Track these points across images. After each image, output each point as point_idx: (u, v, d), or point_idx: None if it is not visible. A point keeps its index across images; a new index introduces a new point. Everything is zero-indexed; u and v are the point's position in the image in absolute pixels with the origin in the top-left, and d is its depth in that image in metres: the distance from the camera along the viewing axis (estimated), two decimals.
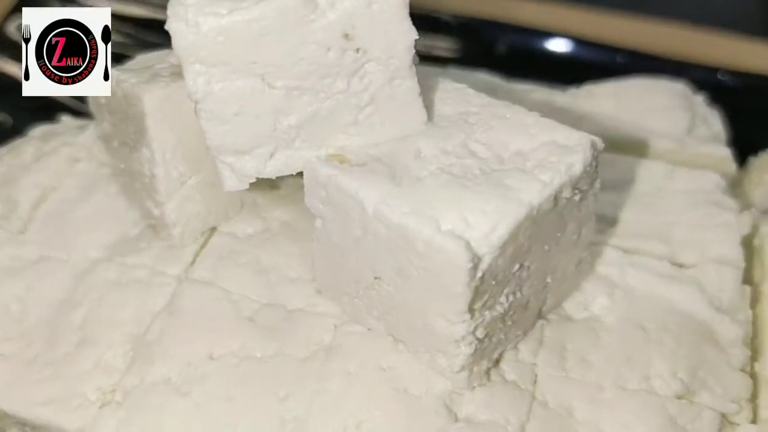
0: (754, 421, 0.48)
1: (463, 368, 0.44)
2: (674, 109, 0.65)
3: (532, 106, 0.65)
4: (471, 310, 0.42)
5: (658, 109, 0.65)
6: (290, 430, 0.45)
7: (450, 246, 0.39)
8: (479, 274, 0.40)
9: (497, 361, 0.47)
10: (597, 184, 0.46)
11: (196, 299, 0.51)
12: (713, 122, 0.66)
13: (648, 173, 0.60)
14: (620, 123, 0.64)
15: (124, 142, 0.53)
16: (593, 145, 0.44)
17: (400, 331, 0.47)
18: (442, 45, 0.80)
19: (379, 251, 0.43)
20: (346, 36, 0.41)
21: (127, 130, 0.51)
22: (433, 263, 0.41)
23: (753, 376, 0.50)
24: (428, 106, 0.47)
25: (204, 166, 0.51)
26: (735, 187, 0.63)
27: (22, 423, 0.48)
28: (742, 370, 0.49)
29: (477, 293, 0.41)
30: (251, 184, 0.49)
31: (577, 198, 0.44)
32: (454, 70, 0.69)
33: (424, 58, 0.65)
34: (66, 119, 0.64)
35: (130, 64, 0.52)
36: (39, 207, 0.56)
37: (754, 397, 0.48)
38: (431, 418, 0.45)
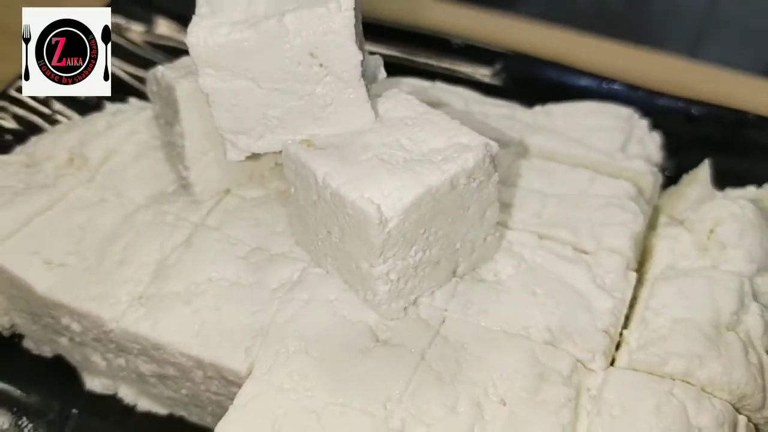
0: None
1: (382, 302, 0.60)
2: (613, 129, 0.79)
3: (496, 119, 0.81)
4: (384, 257, 0.58)
5: (600, 129, 0.79)
6: (254, 334, 0.62)
7: (366, 208, 0.56)
8: (387, 230, 0.56)
9: (415, 303, 0.63)
10: (495, 177, 0.61)
11: (206, 239, 0.68)
12: (649, 144, 0.80)
13: (576, 178, 0.74)
14: (565, 137, 0.78)
15: (167, 121, 0.71)
16: (487, 147, 0.59)
17: (346, 273, 0.63)
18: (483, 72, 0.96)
19: (327, 211, 0.60)
20: (311, 54, 0.58)
21: (168, 112, 0.69)
22: (357, 220, 0.57)
23: (621, 339, 0.64)
24: (383, 110, 0.63)
25: (221, 143, 0.69)
26: (665, 198, 0.77)
27: (72, 312, 0.66)
28: (604, 332, 0.63)
29: (387, 244, 0.57)
30: (260, 160, 0.67)
31: (474, 185, 0.59)
32: (440, 84, 0.85)
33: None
34: (133, 101, 0.83)
35: (175, 63, 0.70)
36: (104, 164, 0.75)
37: (612, 351, 0.62)
38: (359, 337, 0.61)
